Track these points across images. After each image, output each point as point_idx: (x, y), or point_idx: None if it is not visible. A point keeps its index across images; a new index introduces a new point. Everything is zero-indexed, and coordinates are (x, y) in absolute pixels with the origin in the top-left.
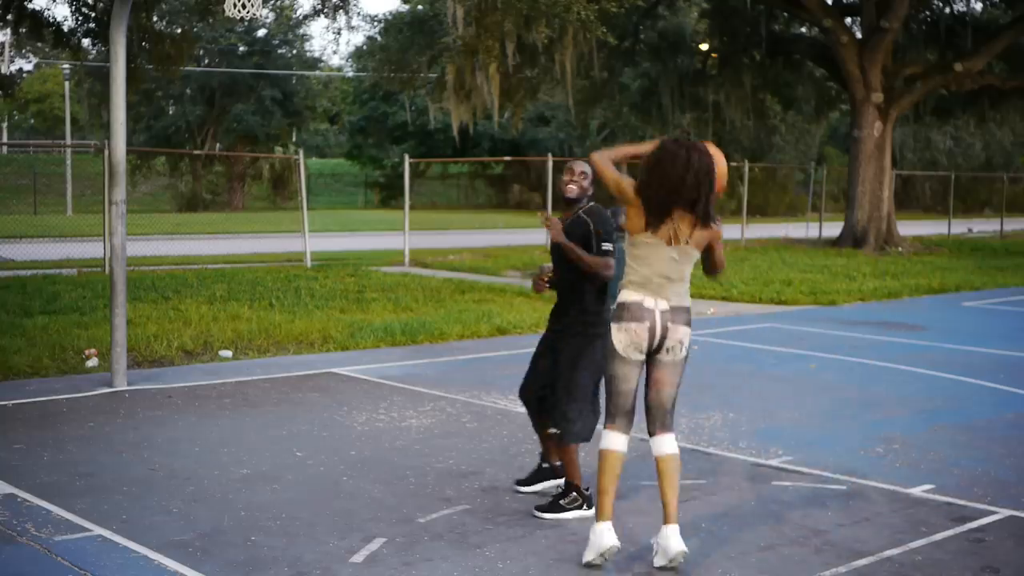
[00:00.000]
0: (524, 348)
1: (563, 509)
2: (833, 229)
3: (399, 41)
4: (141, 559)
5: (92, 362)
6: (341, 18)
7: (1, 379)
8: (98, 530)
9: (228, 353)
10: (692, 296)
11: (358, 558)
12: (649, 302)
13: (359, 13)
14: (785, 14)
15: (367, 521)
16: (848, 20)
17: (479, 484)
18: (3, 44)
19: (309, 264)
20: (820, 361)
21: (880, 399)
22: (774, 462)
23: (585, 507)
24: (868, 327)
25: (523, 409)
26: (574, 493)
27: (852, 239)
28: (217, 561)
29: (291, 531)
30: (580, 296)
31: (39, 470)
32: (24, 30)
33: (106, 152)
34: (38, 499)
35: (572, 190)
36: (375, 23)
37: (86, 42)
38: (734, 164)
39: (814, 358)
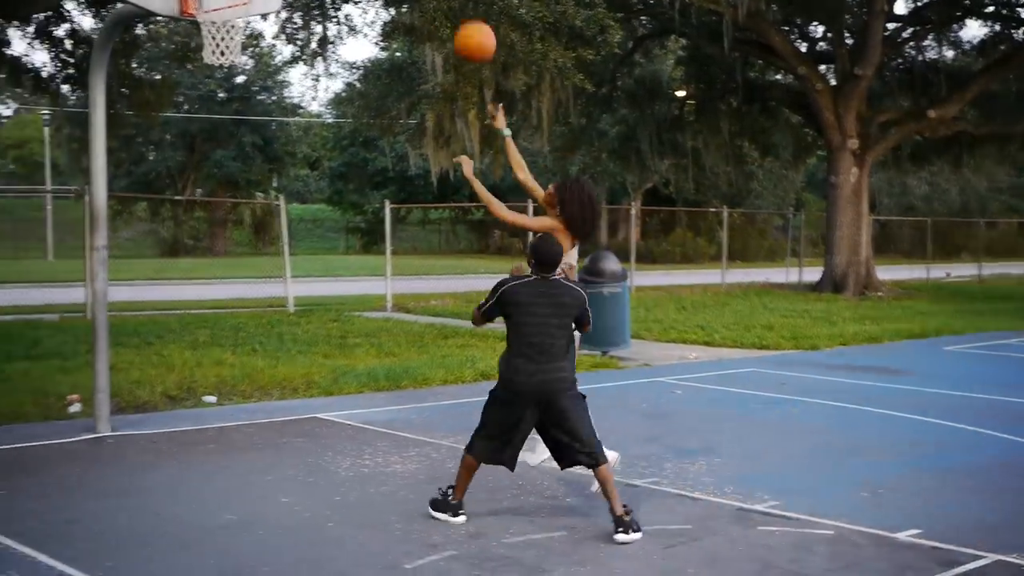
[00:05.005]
0: None
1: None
2: (813, 274)
3: (378, 87)
4: None
5: (75, 408)
6: (320, 65)
7: None
8: None
9: (212, 398)
10: (674, 341)
11: None
12: None
13: (337, 60)
14: (760, 61)
15: (353, 567)
16: (823, 67)
17: (465, 530)
18: None
19: (292, 309)
20: (803, 405)
21: (864, 443)
22: (760, 507)
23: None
24: (850, 371)
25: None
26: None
27: (832, 284)
28: None
29: None
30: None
31: (23, 516)
32: (2, 76)
33: (87, 198)
34: (22, 546)
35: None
36: (354, 70)
37: (65, 88)
38: (713, 210)
39: (797, 402)
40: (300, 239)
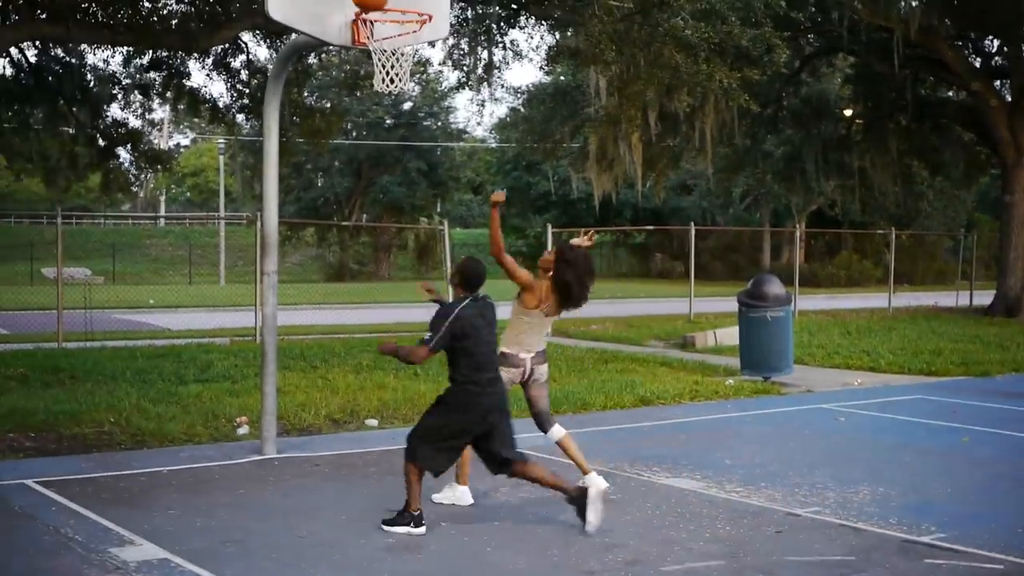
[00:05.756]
0: (667, 419)
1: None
2: (984, 297)
3: (542, 112)
4: None
5: (243, 430)
6: (485, 90)
7: (157, 445)
8: None
9: (374, 422)
10: (838, 366)
11: None
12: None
13: (503, 85)
14: (931, 78)
15: None
16: (997, 83)
17: (623, 557)
18: (162, 120)
19: None
20: (973, 434)
21: None
22: (926, 539)
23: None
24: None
25: (668, 481)
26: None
27: (1004, 308)
28: None
29: None
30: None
31: (192, 535)
32: (182, 107)
33: (258, 223)
34: (191, 564)
35: None
36: (518, 95)
37: (240, 117)
38: (880, 231)
39: (967, 431)
40: None
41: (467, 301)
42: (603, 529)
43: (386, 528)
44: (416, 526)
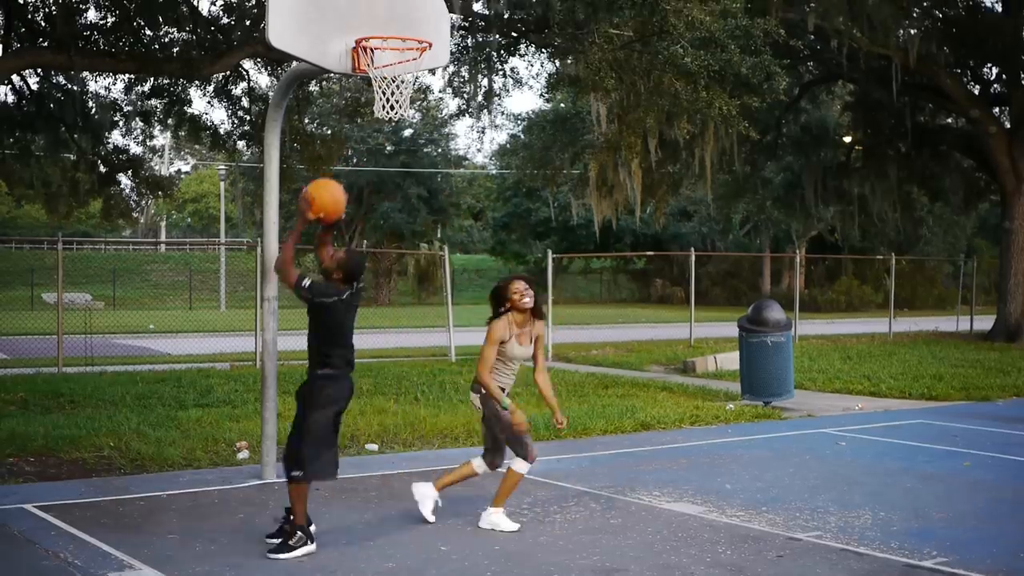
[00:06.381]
0: (668, 444)
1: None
2: (985, 323)
3: (542, 139)
4: None
5: (243, 454)
6: (485, 117)
7: (157, 470)
8: None
9: (374, 447)
10: (838, 391)
11: None
12: None
13: (503, 112)
14: (930, 105)
15: None
16: (996, 110)
17: None
18: (163, 147)
19: (454, 359)
20: (974, 459)
21: None
22: (928, 563)
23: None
24: None
25: (669, 506)
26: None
27: (1005, 333)
28: None
29: None
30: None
31: (191, 560)
32: (183, 133)
33: (259, 249)
34: None
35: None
36: (518, 122)
37: (241, 144)
38: (880, 257)
39: (968, 456)
40: (463, 289)
41: (346, 294)
42: (604, 554)
43: (276, 556)
44: (311, 542)
